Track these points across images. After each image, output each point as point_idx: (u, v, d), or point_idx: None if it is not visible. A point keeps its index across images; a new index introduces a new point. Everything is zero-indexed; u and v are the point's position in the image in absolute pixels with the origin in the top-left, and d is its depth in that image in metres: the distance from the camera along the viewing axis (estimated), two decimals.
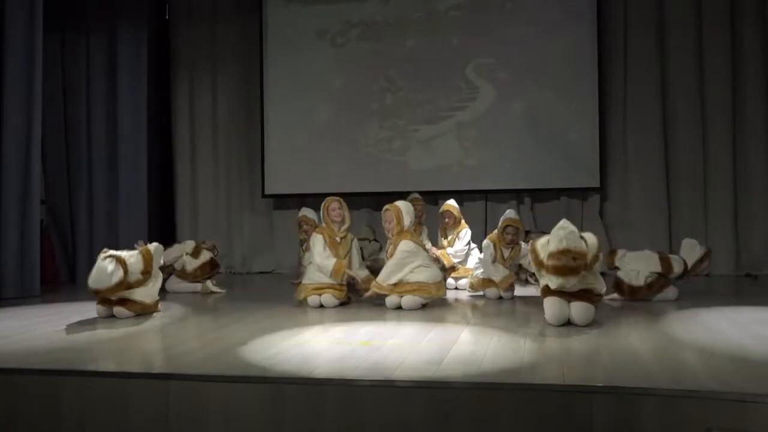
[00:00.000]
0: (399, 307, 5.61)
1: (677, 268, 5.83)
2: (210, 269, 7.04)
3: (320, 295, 5.81)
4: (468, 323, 4.90)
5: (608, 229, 8.43)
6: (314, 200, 7.68)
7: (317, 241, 5.94)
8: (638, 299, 5.76)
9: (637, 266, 5.83)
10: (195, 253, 6.97)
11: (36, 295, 6.59)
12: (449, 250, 7.03)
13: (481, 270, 6.32)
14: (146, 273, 5.28)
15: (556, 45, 8.46)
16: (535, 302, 5.71)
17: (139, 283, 5.23)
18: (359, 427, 3.15)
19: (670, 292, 5.98)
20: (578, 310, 4.57)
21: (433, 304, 5.83)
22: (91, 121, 8.38)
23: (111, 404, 3.39)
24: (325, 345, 4.23)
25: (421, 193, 7.75)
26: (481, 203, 8.70)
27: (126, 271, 5.10)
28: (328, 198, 6.08)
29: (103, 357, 3.93)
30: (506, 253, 6.26)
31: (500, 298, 6.18)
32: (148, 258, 5.30)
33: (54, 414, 3.42)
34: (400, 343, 4.29)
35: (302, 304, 5.88)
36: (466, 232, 7.10)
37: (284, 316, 5.37)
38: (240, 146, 9.44)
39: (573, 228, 4.54)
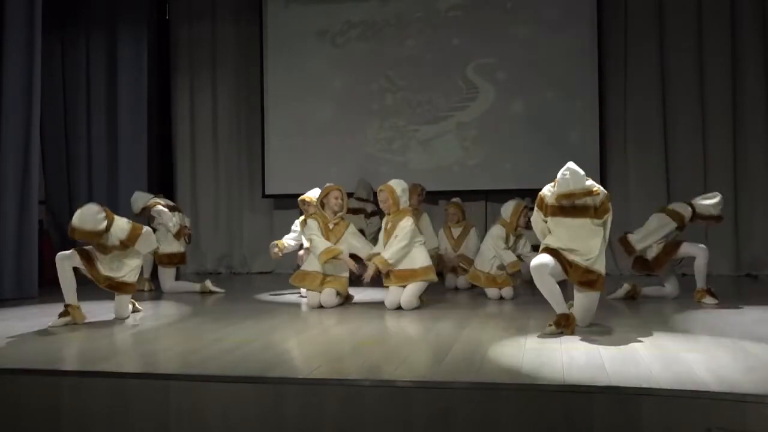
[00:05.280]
0: (399, 307, 5.62)
1: (685, 212, 5.86)
2: (179, 260, 7.06)
3: (320, 292, 5.82)
4: (468, 323, 4.90)
5: None
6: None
7: (312, 224, 6.02)
8: (663, 266, 5.90)
9: (652, 240, 5.90)
10: (177, 235, 6.98)
11: (34, 296, 6.59)
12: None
13: (491, 262, 6.30)
14: (123, 245, 5.09)
15: (556, 45, 8.46)
16: (535, 302, 5.71)
17: (112, 250, 5.07)
18: (359, 427, 3.14)
19: (669, 288, 5.98)
20: (581, 301, 4.52)
21: (432, 304, 5.83)
22: (91, 121, 8.38)
23: (111, 404, 3.39)
24: (326, 345, 4.23)
25: None
26: (481, 203, 8.70)
27: (110, 226, 4.97)
28: (329, 186, 6.15)
29: (103, 357, 3.93)
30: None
31: (501, 297, 6.19)
32: (134, 233, 5.12)
33: (54, 414, 3.42)
34: (400, 343, 4.30)
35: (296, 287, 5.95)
36: (474, 232, 7.21)
37: (284, 316, 5.37)
38: (240, 146, 9.44)
39: (578, 169, 4.46)
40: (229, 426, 3.25)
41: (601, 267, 4.49)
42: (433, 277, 5.79)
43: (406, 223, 5.74)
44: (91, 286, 5.21)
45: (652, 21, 8.37)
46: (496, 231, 6.29)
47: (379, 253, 5.79)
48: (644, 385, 3.06)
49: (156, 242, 5.45)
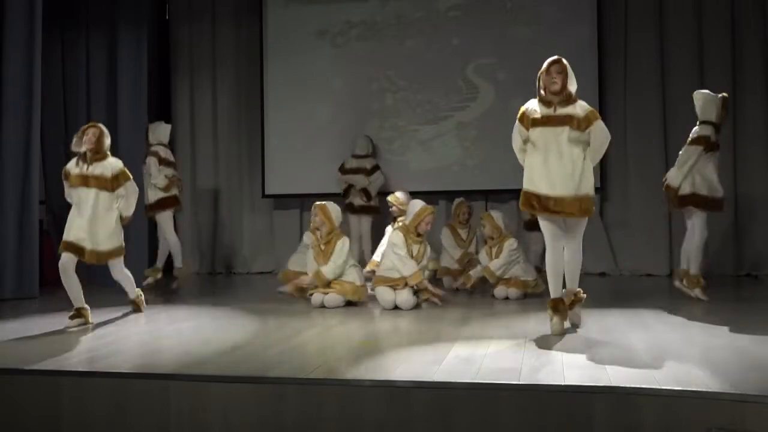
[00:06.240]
0: (395, 307, 5.62)
1: (706, 131, 5.79)
2: (171, 204, 7.22)
3: (325, 294, 5.83)
4: (468, 323, 4.90)
5: (608, 229, 8.43)
6: (314, 200, 7.68)
7: (308, 256, 6.11)
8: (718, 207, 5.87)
9: (686, 169, 5.79)
10: (165, 188, 7.16)
11: (35, 296, 6.58)
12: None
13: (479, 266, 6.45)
14: (112, 182, 5.29)
15: (556, 45, 8.38)
16: (535, 302, 5.71)
17: (101, 183, 5.22)
18: (359, 427, 3.15)
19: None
20: (574, 231, 4.56)
21: (432, 304, 5.83)
22: (91, 121, 8.35)
23: (111, 404, 3.39)
24: (326, 345, 4.23)
25: (421, 193, 7.74)
26: (481, 203, 8.69)
27: (108, 151, 5.34)
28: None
29: (104, 357, 3.94)
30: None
31: (506, 297, 6.18)
32: (124, 174, 5.37)
33: (54, 414, 3.42)
34: (400, 343, 4.30)
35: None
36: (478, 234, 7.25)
37: (285, 317, 5.37)
38: (240, 146, 9.44)
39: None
40: (229, 426, 3.26)
41: (589, 189, 4.52)
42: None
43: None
44: (90, 289, 5.22)
45: (652, 21, 8.36)
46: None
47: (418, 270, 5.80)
48: (644, 385, 3.06)
49: (134, 203, 5.57)
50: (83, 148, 5.26)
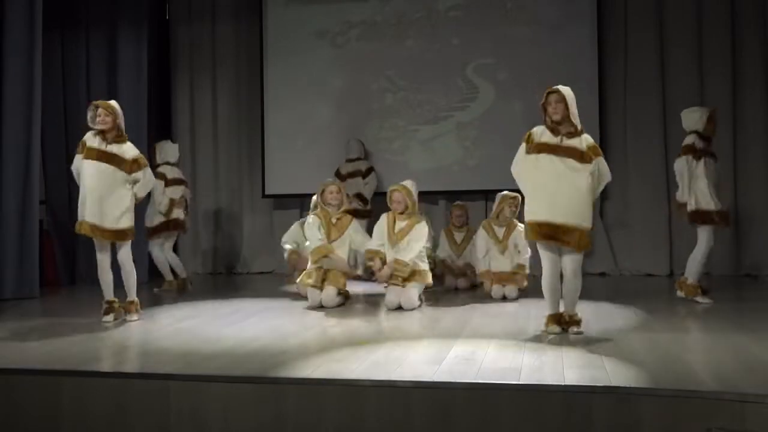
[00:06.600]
0: (399, 307, 5.62)
1: (690, 140, 5.80)
2: (174, 227, 7.09)
3: (321, 289, 5.82)
4: (468, 323, 4.90)
5: (608, 229, 8.42)
6: None
7: (312, 224, 6.12)
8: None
9: (685, 184, 5.79)
10: (166, 214, 7.02)
11: (35, 296, 6.58)
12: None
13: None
14: (131, 165, 5.28)
15: (556, 45, 8.45)
16: (535, 302, 5.71)
17: (118, 164, 5.21)
18: (359, 427, 3.15)
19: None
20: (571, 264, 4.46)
21: (432, 304, 5.83)
22: None
23: (111, 404, 3.39)
24: (326, 345, 4.23)
25: (420, 193, 7.74)
26: (481, 203, 8.69)
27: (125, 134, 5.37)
28: (324, 182, 6.30)
29: (103, 357, 3.94)
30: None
31: (504, 297, 6.18)
32: (143, 159, 5.40)
33: (54, 414, 3.42)
34: (400, 343, 4.30)
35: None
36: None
37: (284, 317, 5.38)
38: (240, 146, 9.44)
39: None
40: (229, 426, 3.26)
41: (587, 222, 4.40)
42: (430, 281, 5.96)
43: (425, 229, 5.91)
44: (91, 291, 5.22)
45: (652, 21, 8.35)
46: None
47: (380, 251, 5.83)
48: (644, 385, 3.06)
49: (150, 188, 5.59)
50: (98, 127, 5.24)
